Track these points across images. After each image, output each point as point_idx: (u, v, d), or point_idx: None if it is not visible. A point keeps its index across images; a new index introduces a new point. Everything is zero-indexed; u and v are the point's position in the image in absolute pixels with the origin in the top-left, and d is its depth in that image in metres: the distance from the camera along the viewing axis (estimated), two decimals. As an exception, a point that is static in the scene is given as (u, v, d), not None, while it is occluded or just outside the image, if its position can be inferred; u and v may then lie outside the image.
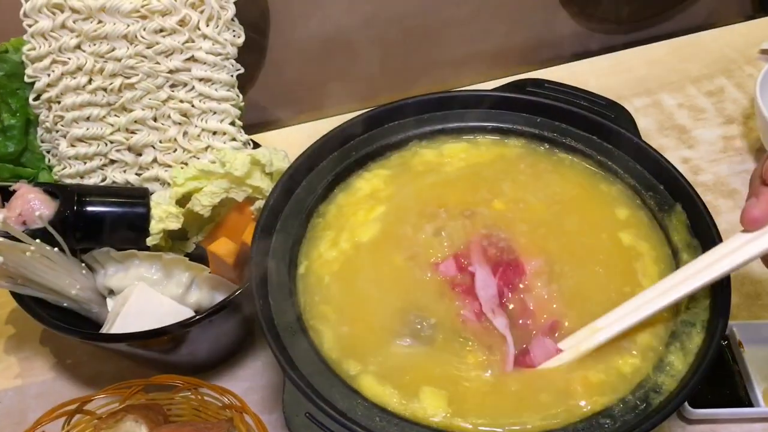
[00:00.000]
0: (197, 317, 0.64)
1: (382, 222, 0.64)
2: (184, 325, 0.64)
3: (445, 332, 0.57)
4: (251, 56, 0.75)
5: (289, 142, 0.75)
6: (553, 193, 0.67)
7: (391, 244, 0.62)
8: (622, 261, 0.61)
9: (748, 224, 0.53)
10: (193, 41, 0.71)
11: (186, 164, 0.74)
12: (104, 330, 0.68)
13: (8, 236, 0.62)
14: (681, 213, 0.63)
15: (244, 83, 0.76)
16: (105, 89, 0.71)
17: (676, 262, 0.61)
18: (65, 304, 0.68)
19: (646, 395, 0.53)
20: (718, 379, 0.67)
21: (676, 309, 0.58)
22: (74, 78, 0.70)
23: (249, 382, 0.74)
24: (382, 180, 0.68)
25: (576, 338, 0.56)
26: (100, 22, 0.69)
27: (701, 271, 0.55)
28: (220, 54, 0.72)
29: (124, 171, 0.74)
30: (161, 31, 0.70)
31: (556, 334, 0.57)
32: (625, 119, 0.70)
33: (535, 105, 0.70)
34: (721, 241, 0.59)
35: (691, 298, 0.58)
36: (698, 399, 0.65)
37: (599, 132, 0.68)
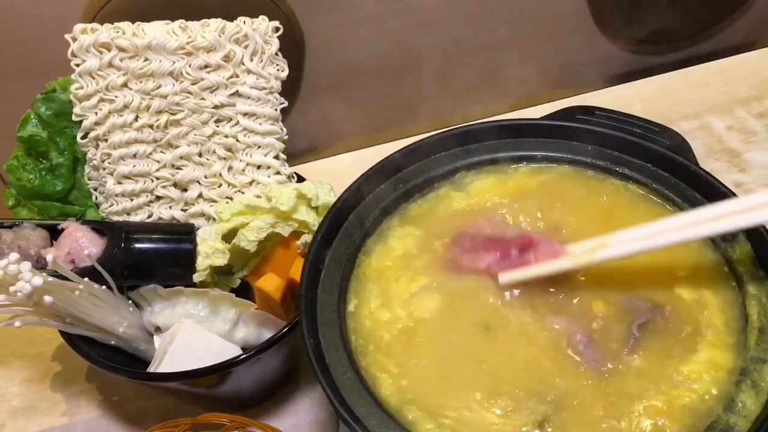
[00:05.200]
0: (245, 355, 0.63)
1: (437, 300, 0.60)
2: (232, 364, 0.63)
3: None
4: (287, 85, 0.75)
5: (329, 173, 0.75)
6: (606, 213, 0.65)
7: (454, 320, 0.59)
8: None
9: None
10: (237, 76, 0.72)
11: (231, 199, 0.74)
12: (152, 368, 0.68)
13: (57, 275, 0.62)
14: (744, 243, 0.60)
15: (282, 114, 0.75)
16: (151, 126, 0.71)
17: (742, 294, 0.59)
18: (113, 342, 0.67)
19: (718, 438, 0.50)
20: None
21: (744, 345, 0.55)
22: (121, 116, 0.71)
23: (295, 418, 0.73)
24: (414, 243, 0.65)
25: (583, 246, 0.57)
26: (146, 60, 0.70)
27: (731, 215, 0.53)
28: (264, 88, 0.72)
29: (170, 207, 0.74)
30: (206, 67, 0.71)
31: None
32: (680, 145, 0.68)
33: (586, 132, 0.68)
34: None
35: (761, 333, 0.55)
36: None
37: (654, 159, 0.66)
